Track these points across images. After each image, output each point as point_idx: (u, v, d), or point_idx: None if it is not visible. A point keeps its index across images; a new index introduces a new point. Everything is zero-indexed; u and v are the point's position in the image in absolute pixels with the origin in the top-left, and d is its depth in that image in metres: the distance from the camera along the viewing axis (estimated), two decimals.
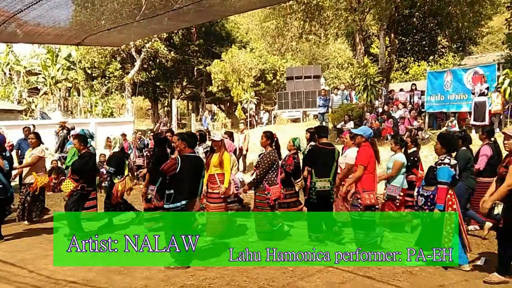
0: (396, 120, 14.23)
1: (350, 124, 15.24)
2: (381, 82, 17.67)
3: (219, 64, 25.66)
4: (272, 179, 6.28)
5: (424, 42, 21.74)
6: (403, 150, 6.93)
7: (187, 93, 35.13)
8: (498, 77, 12.68)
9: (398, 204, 6.67)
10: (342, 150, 7.90)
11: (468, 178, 6.66)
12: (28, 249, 6.16)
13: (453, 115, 13.79)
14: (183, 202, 5.24)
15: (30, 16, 4.84)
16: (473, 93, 12.16)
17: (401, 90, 19.22)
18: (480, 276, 4.88)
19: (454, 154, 5.58)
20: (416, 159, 7.14)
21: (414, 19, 20.61)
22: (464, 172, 6.45)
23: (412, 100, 17.45)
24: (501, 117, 12.87)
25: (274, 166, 6.33)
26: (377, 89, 15.63)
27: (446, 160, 5.07)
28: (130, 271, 5.18)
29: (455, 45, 23.23)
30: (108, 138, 10.15)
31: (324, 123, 17.22)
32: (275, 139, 6.72)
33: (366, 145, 5.85)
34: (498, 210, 4.63)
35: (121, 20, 5.28)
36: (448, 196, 5.01)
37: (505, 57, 14.78)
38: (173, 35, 26.48)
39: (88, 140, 7.14)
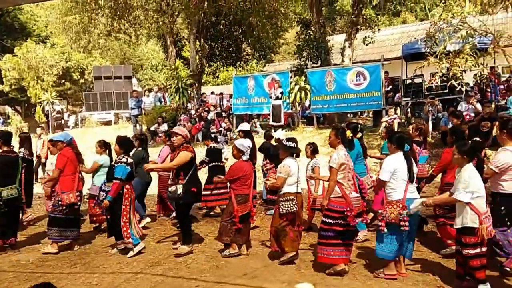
0: (209, 121, 14.85)
1: (164, 126, 15.19)
2: (194, 85, 18.19)
3: (12, 59, 22.41)
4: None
5: (231, 49, 23.31)
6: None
7: None
8: (291, 83, 14.48)
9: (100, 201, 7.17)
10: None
11: (141, 174, 7.31)
12: None
13: (256, 117, 15.16)
14: None
15: None
16: (271, 97, 13.57)
17: (212, 93, 20.21)
18: (264, 263, 5.40)
19: (131, 154, 6.52)
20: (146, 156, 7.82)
21: (221, 27, 21.88)
22: (138, 168, 7.23)
23: (221, 103, 18.51)
24: (295, 117, 14.76)
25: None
26: (188, 91, 16.00)
27: (124, 159, 5.88)
28: None
29: (257, 53, 25.60)
30: None
31: (137, 126, 16.78)
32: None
33: (66, 150, 6.25)
34: (180, 190, 5.63)
35: None
36: (125, 190, 5.81)
37: (296, 66, 16.94)
38: None
39: None
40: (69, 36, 21.05)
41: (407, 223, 4.42)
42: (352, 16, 15.22)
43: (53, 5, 21.10)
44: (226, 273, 5.03)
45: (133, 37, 21.30)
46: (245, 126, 7.94)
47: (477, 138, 5.72)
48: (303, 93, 13.92)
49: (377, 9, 16.58)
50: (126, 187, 5.83)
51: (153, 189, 8.05)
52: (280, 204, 5.24)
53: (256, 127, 14.20)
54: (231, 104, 16.52)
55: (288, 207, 5.17)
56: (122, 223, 5.75)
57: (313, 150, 6.56)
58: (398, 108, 13.96)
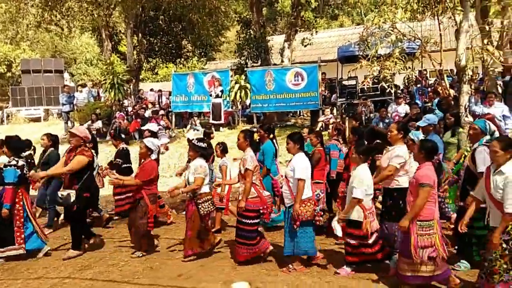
0: (146, 119, 14.41)
1: (98, 124, 14.55)
2: (130, 81, 17.57)
3: None
4: None
5: (171, 45, 22.80)
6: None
7: None
8: (231, 81, 14.47)
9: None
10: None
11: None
12: None
13: (196, 115, 14.96)
14: None
15: None
16: (211, 95, 13.48)
17: (151, 90, 19.67)
18: (200, 263, 5.33)
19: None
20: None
21: (161, 22, 21.34)
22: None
23: (160, 100, 18.08)
24: (235, 116, 14.77)
25: None
26: (125, 87, 15.44)
27: (13, 162, 5.47)
28: None
29: (198, 51, 25.26)
30: None
31: (69, 123, 15.90)
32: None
33: None
34: (73, 196, 5.43)
35: None
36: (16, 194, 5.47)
37: (237, 65, 16.97)
38: None
39: None
40: None
41: (321, 218, 4.76)
42: (292, 18, 15.51)
43: None
44: (161, 275, 4.91)
45: (66, 30, 20.09)
46: (153, 127, 8.39)
47: (378, 140, 6.10)
48: (243, 92, 13.99)
49: (316, 12, 17.01)
50: (18, 192, 5.51)
51: None
52: (200, 206, 5.29)
53: (196, 125, 14.03)
54: (170, 102, 16.19)
55: (208, 207, 5.34)
56: (15, 228, 5.47)
57: (222, 149, 6.64)
58: (334, 108, 14.44)
